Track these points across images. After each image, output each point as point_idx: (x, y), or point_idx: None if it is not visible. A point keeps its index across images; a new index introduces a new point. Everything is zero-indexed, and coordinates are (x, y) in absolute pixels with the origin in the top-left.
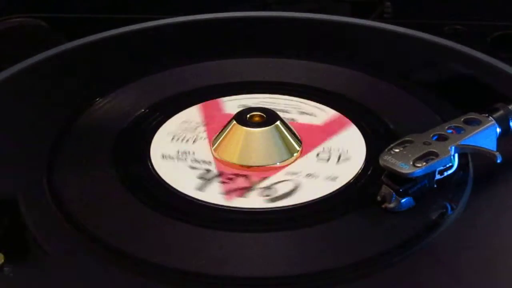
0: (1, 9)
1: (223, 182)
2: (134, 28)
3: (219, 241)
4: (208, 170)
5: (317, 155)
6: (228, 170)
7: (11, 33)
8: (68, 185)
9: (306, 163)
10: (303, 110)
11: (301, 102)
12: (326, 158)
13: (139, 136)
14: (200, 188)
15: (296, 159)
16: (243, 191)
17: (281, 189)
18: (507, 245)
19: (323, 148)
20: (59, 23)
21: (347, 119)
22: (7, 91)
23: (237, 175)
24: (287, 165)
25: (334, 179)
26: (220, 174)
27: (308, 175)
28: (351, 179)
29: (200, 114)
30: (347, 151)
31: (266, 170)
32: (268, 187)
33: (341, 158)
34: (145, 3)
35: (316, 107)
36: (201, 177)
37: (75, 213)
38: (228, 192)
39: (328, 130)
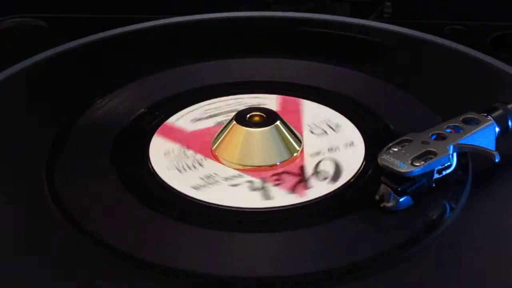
0: (1, 9)
1: (278, 184)
2: (134, 28)
3: (217, 241)
4: (250, 182)
5: (312, 133)
6: (265, 174)
7: (11, 33)
8: (68, 185)
9: (313, 142)
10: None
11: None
12: (322, 132)
13: (139, 136)
14: (267, 198)
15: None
16: (303, 183)
17: (327, 168)
18: (506, 244)
19: (314, 124)
20: (59, 23)
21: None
22: (7, 91)
23: (282, 172)
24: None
25: (352, 144)
26: (265, 180)
27: (330, 149)
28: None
29: (175, 143)
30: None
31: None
32: (317, 172)
33: (332, 127)
34: (145, 3)
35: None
36: (254, 189)
37: (75, 213)
38: (294, 188)
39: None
